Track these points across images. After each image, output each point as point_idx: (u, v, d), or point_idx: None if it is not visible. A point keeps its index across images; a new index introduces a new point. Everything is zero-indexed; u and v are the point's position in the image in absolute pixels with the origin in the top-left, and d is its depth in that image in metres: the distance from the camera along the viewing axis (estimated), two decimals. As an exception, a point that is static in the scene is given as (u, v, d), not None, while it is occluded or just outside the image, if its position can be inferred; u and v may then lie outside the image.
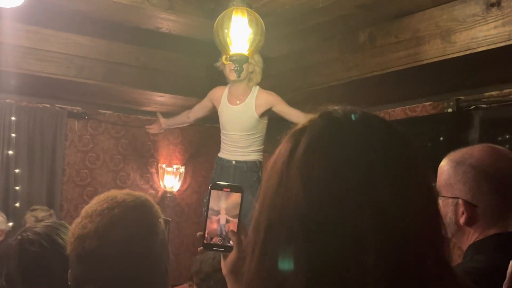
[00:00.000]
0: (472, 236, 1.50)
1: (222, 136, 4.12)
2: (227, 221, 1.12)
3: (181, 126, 4.90)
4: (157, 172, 6.18)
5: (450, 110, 4.58)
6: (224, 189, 1.13)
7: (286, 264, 0.65)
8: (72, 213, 5.54)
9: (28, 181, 5.26)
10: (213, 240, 1.13)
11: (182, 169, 6.28)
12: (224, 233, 1.12)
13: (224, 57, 3.81)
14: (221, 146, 4.12)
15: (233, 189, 1.13)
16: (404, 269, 0.62)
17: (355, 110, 0.73)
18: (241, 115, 3.95)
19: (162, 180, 6.14)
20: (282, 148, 0.73)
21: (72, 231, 1.23)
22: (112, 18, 4.12)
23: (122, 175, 5.94)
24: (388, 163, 0.67)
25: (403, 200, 0.65)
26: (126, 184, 5.91)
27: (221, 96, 4.11)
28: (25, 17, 4.14)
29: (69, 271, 1.24)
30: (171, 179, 6.15)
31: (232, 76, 3.85)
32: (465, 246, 1.52)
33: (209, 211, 1.12)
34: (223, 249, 1.13)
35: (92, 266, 1.17)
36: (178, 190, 6.23)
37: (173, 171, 6.19)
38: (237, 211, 1.13)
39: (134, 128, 6.07)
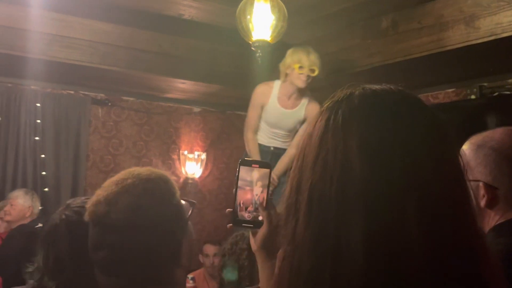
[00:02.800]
0: (493, 219, 1.50)
1: (262, 126, 4.10)
2: (259, 192, 1.13)
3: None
4: (179, 159, 6.23)
5: (473, 96, 4.54)
6: (253, 165, 1.14)
7: (338, 224, 0.65)
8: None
9: (54, 167, 5.35)
10: (248, 209, 1.13)
11: (203, 156, 6.33)
12: (257, 203, 1.13)
13: (297, 65, 3.73)
14: (259, 133, 4.12)
15: (262, 165, 1.15)
16: (443, 242, 0.64)
17: (386, 86, 0.76)
18: (289, 119, 3.99)
19: (184, 166, 6.19)
20: (322, 114, 0.74)
21: (89, 200, 1.28)
22: (136, 5, 4.16)
23: (145, 161, 6.00)
24: (426, 139, 0.69)
25: (441, 175, 0.67)
26: (148, 170, 5.96)
27: (269, 95, 4.01)
28: (51, 4, 4.20)
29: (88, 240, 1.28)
30: (192, 166, 6.21)
31: (300, 83, 3.80)
32: (486, 229, 1.52)
33: (241, 182, 1.13)
34: (252, 225, 1.14)
35: (103, 232, 1.21)
36: (200, 177, 6.28)
37: (194, 158, 6.24)
38: (266, 183, 1.13)
39: (156, 115, 6.13)
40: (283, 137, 4.05)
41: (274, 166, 3.85)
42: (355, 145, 0.66)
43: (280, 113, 3.99)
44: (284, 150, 4.03)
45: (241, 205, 1.13)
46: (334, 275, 0.64)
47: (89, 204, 1.25)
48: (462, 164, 0.72)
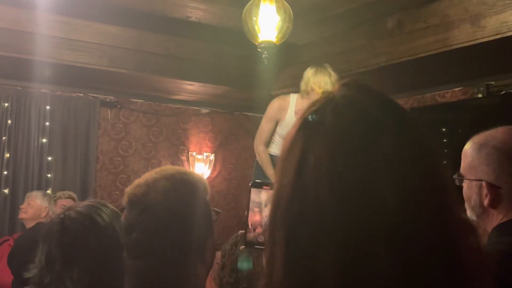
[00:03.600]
0: (496, 218, 1.50)
1: (277, 139, 4.00)
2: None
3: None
4: (188, 160, 6.27)
5: (480, 95, 4.54)
6: (264, 187, 1.14)
7: (314, 253, 0.65)
8: (106, 199, 5.66)
9: (61, 169, 5.39)
10: (256, 231, 1.14)
11: (212, 157, 6.36)
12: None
13: (319, 89, 3.62)
14: (272, 145, 4.02)
15: (273, 186, 1.15)
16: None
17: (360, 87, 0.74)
18: None
19: (193, 167, 6.22)
20: (296, 136, 0.72)
21: (129, 187, 1.34)
22: (143, 8, 4.19)
23: (154, 162, 6.04)
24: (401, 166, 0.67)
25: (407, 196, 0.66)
26: (157, 172, 6.01)
27: (287, 110, 3.92)
28: (59, 8, 4.24)
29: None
30: (201, 167, 6.24)
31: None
32: (490, 228, 1.53)
33: (251, 204, 1.13)
34: (263, 247, 1.14)
35: (139, 212, 1.26)
36: (208, 178, 6.30)
37: (203, 159, 6.27)
38: None
39: (165, 116, 6.16)
40: None
41: None
42: (326, 190, 0.66)
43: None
44: None
45: (250, 226, 1.14)
46: None
47: (128, 188, 1.31)
48: (448, 187, 0.71)
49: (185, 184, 1.30)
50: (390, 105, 0.72)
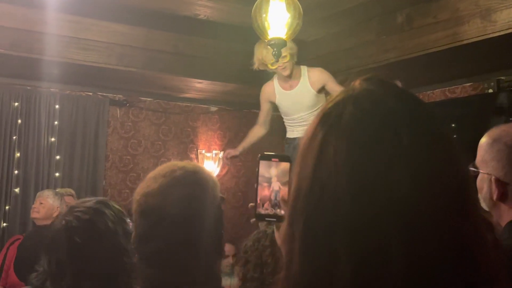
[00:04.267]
0: (508, 213, 1.51)
1: (286, 122, 4.16)
2: (279, 188, 1.13)
3: (256, 142, 4.42)
4: (197, 158, 6.27)
5: (490, 90, 4.51)
6: (273, 159, 1.13)
7: (329, 245, 0.66)
8: (116, 198, 5.69)
9: (71, 167, 5.42)
10: (264, 206, 1.14)
11: (221, 155, 6.35)
12: (277, 199, 1.12)
13: (266, 64, 3.85)
14: (288, 129, 4.17)
15: (282, 158, 1.13)
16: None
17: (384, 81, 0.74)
18: (301, 96, 3.98)
19: (202, 165, 6.22)
20: (316, 129, 0.73)
21: (137, 191, 1.29)
22: (151, 6, 4.20)
23: (163, 160, 6.04)
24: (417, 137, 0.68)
25: (431, 203, 0.66)
26: (167, 170, 6.02)
27: (273, 90, 4.13)
28: (67, 7, 4.25)
29: (133, 233, 1.29)
30: (210, 164, 6.24)
31: (284, 73, 3.92)
32: (502, 221, 1.53)
33: (260, 178, 1.12)
34: (275, 219, 1.12)
35: (155, 223, 1.22)
36: (217, 175, 6.30)
37: (212, 156, 6.27)
38: (287, 179, 1.14)
39: (174, 114, 6.17)
40: (307, 119, 3.98)
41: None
42: (344, 180, 0.66)
43: (289, 97, 4.03)
44: None
45: (259, 201, 1.13)
46: None
47: (137, 196, 1.27)
48: (465, 177, 0.71)
49: (200, 187, 1.27)
50: (408, 97, 0.73)
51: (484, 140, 1.57)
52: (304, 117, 4.03)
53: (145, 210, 1.24)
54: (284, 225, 0.75)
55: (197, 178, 1.28)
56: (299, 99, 4.00)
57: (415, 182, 0.65)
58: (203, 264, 1.25)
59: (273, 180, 1.13)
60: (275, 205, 1.12)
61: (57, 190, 4.61)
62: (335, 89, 3.86)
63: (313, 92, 3.94)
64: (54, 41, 4.39)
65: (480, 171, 1.54)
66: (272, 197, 1.12)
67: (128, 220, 1.66)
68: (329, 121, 0.71)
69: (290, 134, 4.15)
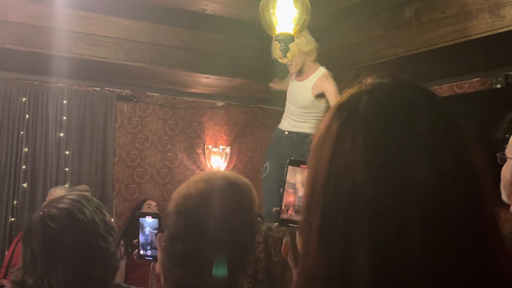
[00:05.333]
0: None
1: (285, 108, 4.21)
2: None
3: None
4: (204, 153, 6.28)
5: (498, 86, 4.49)
6: (301, 166, 1.12)
7: (347, 247, 0.65)
8: (123, 192, 5.71)
9: (79, 163, 5.43)
10: (288, 212, 1.13)
11: (227, 150, 6.36)
12: (300, 206, 1.13)
13: (277, 58, 3.90)
14: (282, 117, 4.21)
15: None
16: (450, 260, 0.64)
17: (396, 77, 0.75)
18: (299, 92, 4.00)
19: (209, 160, 6.23)
20: (331, 121, 0.73)
21: (177, 191, 1.31)
22: (159, 1, 4.20)
23: (170, 155, 6.07)
24: (435, 146, 0.68)
25: (449, 185, 0.66)
26: (174, 165, 6.04)
27: (288, 80, 4.23)
28: (75, 2, 4.27)
29: (166, 231, 1.31)
30: (217, 160, 6.24)
31: (290, 70, 4.01)
32: None
33: (286, 184, 1.12)
34: (298, 225, 1.14)
35: (188, 225, 1.24)
36: (224, 170, 6.32)
37: (219, 152, 6.28)
38: None
39: (181, 109, 6.18)
40: (299, 118, 4.01)
41: (289, 152, 3.85)
42: (361, 167, 0.66)
43: (294, 85, 4.08)
44: (296, 134, 3.98)
45: (283, 207, 1.13)
46: None
47: (177, 196, 1.29)
48: (479, 166, 0.71)
49: (237, 200, 1.28)
50: (422, 88, 0.74)
51: None
52: (292, 110, 4.05)
53: (181, 211, 1.26)
54: (300, 218, 0.75)
55: (236, 190, 1.29)
56: (297, 93, 4.03)
57: (433, 166, 0.66)
58: (226, 275, 1.25)
59: (298, 186, 1.13)
60: (298, 212, 1.12)
61: (73, 187, 4.62)
62: (330, 104, 3.83)
63: (309, 95, 3.94)
64: (62, 36, 4.40)
65: (508, 157, 1.55)
66: (296, 203, 1.12)
67: (108, 214, 1.69)
68: (344, 113, 0.72)
69: (280, 124, 4.18)
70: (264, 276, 2.22)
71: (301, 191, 1.12)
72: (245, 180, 1.37)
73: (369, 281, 0.63)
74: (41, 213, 1.57)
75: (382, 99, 0.71)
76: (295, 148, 3.91)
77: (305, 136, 3.92)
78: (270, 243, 2.22)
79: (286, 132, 4.03)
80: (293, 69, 3.96)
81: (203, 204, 1.24)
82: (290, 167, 1.12)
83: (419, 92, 0.73)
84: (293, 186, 1.12)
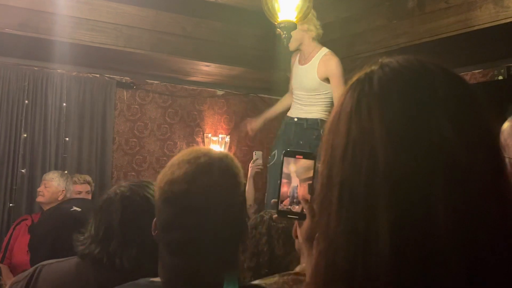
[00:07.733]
0: None
1: (293, 95, 4.14)
2: (297, 184, 1.11)
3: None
4: (203, 141, 6.27)
5: (500, 77, 4.48)
6: (297, 156, 1.12)
7: (368, 218, 0.64)
8: (122, 180, 5.68)
9: (78, 149, 5.41)
10: (283, 203, 1.12)
11: (227, 139, 6.35)
12: (295, 196, 1.11)
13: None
14: (291, 104, 4.15)
15: (306, 156, 1.12)
16: (474, 226, 0.63)
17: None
18: (305, 75, 3.94)
19: (226, 150, 6.21)
20: (346, 99, 0.72)
21: (160, 178, 1.26)
22: (160, -13, 4.17)
23: (169, 143, 6.05)
24: (453, 114, 0.66)
25: (470, 151, 0.65)
26: (173, 153, 6.02)
27: (295, 60, 4.11)
28: (76, -12, 4.23)
29: (154, 220, 1.27)
30: (216, 148, 6.23)
31: (290, 46, 3.92)
32: None
33: (282, 175, 1.12)
34: (297, 217, 1.11)
35: (179, 212, 1.19)
36: (223, 159, 6.30)
37: (218, 140, 6.26)
38: (308, 176, 1.11)
39: (180, 98, 6.16)
40: (307, 102, 3.97)
41: (298, 138, 3.83)
42: (379, 133, 0.66)
43: (299, 70, 4.01)
44: (305, 120, 3.92)
45: (281, 198, 1.12)
46: (365, 271, 0.63)
47: (161, 183, 1.24)
48: (497, 136, 0.71)
49: (225, 175, 1.23)
50: (437, 64, 0.73)
51: (507, 124, 1.56)
52: (300, 96, 4.00)
53: (169, 198, 1.21)
54: (319, 193, 0.73)
55: (221, 165, 1.24)
56: (302, 78, 3.97)
57: (455, 127, 0.65)
58: (226, 253, 1.23)
59: (292, 176, 1.11)
60: (292, 202, 1.11)
61: (74, 177, 4.59)
62: (336, 89, 3.78)
63: (316, 78, 3.88)
64: (62, 21, 4.37)
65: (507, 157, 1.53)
66: (290, 194, 1.11)
67: None
68: (358, 87, 0.71)
69: (289, 111, 4.12)
70: (266, 271, 2.20)
71: (295, 181, 1.11)
72: (225, 152, 1.37)
73: (391, 244, 0.62)
74: (117, 191, 1.64)
75: (396, 68, 0.71)
76: (304, 135, 3.87)
77: (315, 122, 3.88)
78: (273, 235, 2.20)
79: (296, 119, 3.97)
80: (292, 46, 3.90)
81: (190, 187, 1.19)
82: (285, 158, 1.12)
83: (433, 64, 0.73)
84: (287, 176, 1.11)
